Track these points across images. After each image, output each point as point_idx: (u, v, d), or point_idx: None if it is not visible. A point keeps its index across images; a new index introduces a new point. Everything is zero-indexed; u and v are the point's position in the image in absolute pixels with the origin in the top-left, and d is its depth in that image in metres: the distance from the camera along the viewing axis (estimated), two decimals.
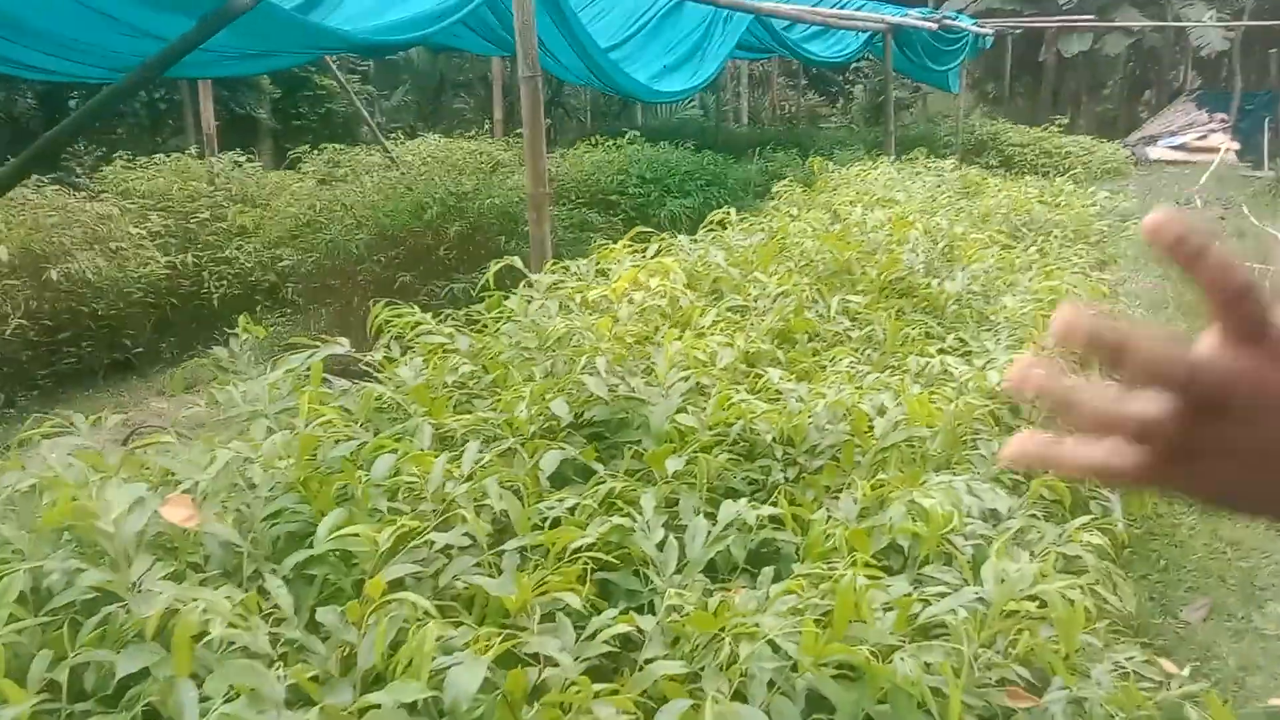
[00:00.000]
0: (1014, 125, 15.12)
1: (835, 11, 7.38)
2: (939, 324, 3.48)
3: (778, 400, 2.34)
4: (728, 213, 4.32)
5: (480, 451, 1.94)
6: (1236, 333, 0.43)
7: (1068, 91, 22.22)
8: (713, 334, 2.69)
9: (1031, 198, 5.29)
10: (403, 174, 7.77)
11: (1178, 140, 17.65)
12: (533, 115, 4.10)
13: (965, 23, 11.30)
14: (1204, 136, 17.59)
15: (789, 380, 2.45)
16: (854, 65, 18.68)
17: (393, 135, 11.40)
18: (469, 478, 1.84)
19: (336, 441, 1.98)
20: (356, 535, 1.62)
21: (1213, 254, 0.42)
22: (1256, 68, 23.37)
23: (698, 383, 2.39)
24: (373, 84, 16.94)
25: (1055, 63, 20.16)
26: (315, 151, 9.87)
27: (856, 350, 2.89)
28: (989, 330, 3.26)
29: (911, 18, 8.72)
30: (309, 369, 2.21)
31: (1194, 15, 19.18)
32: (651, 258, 3.36)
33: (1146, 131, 18.49)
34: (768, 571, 1.80)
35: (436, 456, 1.87)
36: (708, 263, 3.35)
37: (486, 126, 11.83)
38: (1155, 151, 17.25)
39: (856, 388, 2.43)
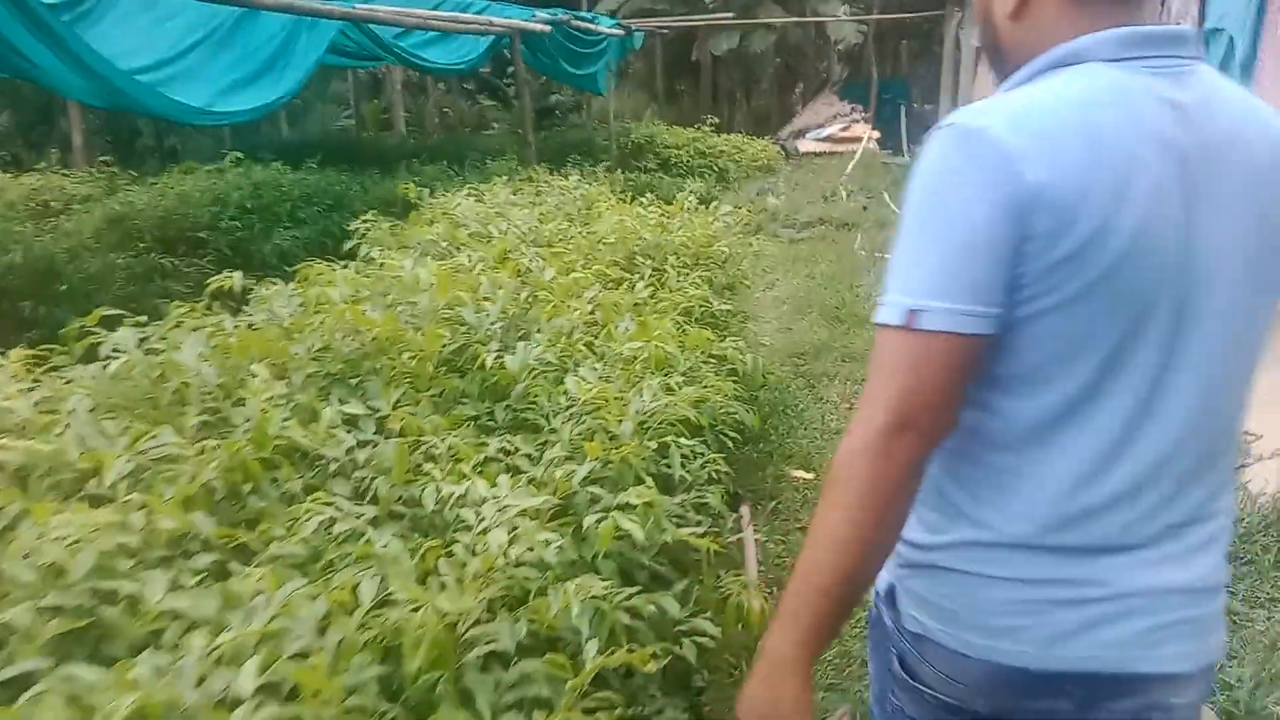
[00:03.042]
0: (669, 127, 15.07)
1: (442, 15, 6.56)
2: (508, 409, 2.71)
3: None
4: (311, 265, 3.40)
5: None
6: None
7: (724, 89, 22.87)
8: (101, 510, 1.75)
9: (649, 220, 4.70)
10: None
11: (824, 132, 18.49)
12: None
13: (603, 24, 10.89)
14: (847, 127, 18.55)
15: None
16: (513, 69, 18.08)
17: None
18: None
19: None
20: None
21: None
22: (891, 58, 25.27)
23: None
24: None
25: (710, 62, 20.59)
26: None
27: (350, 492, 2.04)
28: (563, 414, 2.53)
29: (536, 21, 8.06)
30: None
31: (830, 11, 20.25)
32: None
33: (796, 125, 19.28)
34: None
35: None
36: (175, 365, 2.38)
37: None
38: (805, 144, 17.96)
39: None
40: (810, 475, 4.34)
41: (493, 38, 7.84)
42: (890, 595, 1.25)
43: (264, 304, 3.07)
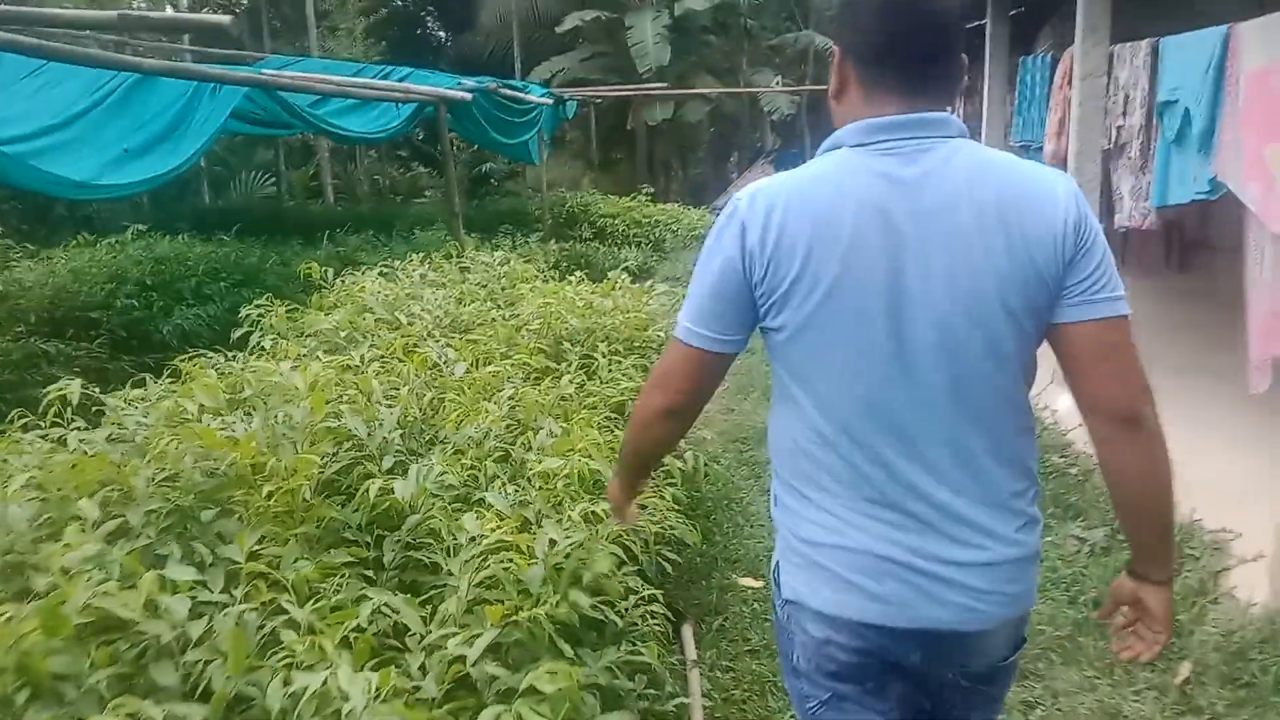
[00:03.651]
0: (605, 196, 14.81)
1: (356, 81, 6.14)
2: (399, 544, 2.25)
3: None
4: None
5: None
6: None
7: (660, 158, 22.81)
8: None
9: (577, 302, 4.30)
10: None
11: None
12: None
13: (534, 93, 10.61)
14: None
15: None
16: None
17: None
18: None
19: None
20: None
21: None
22: (823, 127, 25.47)
23: None
24: None
25: (645, 131, 20.52)
26: None
27: None
28: (464, 552, 2.08)
29: (461, 89, 7.72)
30: None
31: (763, 81, 20.36)
32: None
33: (730, 194, 19.20)
34: None
35: None
36: None
37: None
38: None
39: None
40: (759, 583, 3.91)
41: (415, 105, 7.48)
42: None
43: (114, 418, 2.59)
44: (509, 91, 9.09)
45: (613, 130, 22.02)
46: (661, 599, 2.48)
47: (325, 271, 4.42)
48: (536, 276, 5.16)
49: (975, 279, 1.34)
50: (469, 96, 6.48)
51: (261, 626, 1.71)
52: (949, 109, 1.43)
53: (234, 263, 7.93)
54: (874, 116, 1.38)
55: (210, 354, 3.43)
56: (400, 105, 7.27)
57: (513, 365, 3.44)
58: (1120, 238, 6.89)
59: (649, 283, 5.17)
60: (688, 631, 3.43)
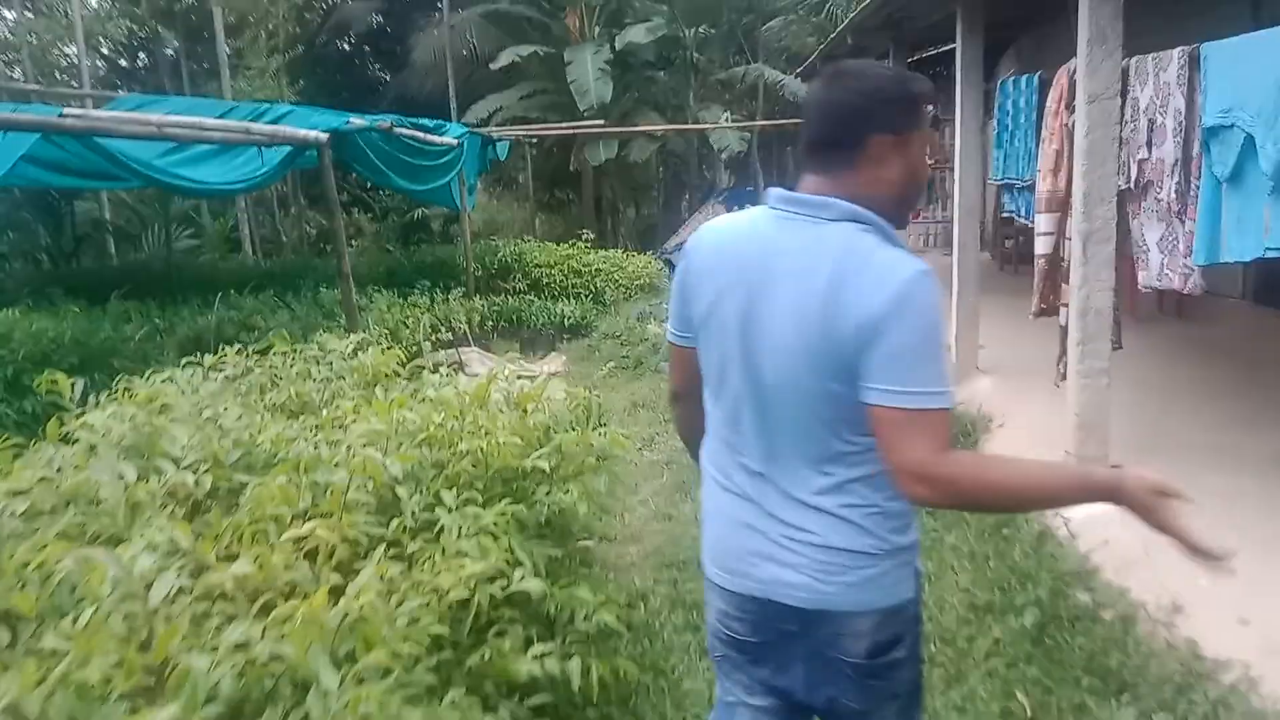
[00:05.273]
0: (540, 243, 13.62)
1: (185, 121, 4.85)
2: None
3: None
4: None
5: None
6: None
7: (607, 200, 21.71)
8: None
9: (433, 414, 3.07)
10: None
11: None
12: None
13: (451, 134, 9.39)
14: None
15: None
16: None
17: None
18: None
19: None
20: None
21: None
22: (775, 164, 24.56)
23: None
24: None
25: (590, 172, 19.40)
26: None
27: None
28: None
29: (350, 127, 6.48)
30: None
31: (712, 118, 19.30)
32: None
33: (681, 236, 18.06)
34: None
35: None
36: None
37: None
38: None
39: None
40: None
41: (288, 150, 6.24)
42: None
43: None
44: (408, 131, 7.86)
45: (556, 171, 20.90)
46: None
47: (73, 384, 3.13)
48: (395, 373, 3.88)
49: (794, 339, 1.64)
50: (323, 137, 5.23)
51: None
52: (858, 180, 1.66)
53: (80, 341, 6.58)
54: (790, 188, 1.72)
55: None
56: (264, 150, 6.02)
57: (287, 552, 2.18)
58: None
59: (543, 366, 3.91)
60: None
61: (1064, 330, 5.31)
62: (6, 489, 2.29)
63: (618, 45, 17.54)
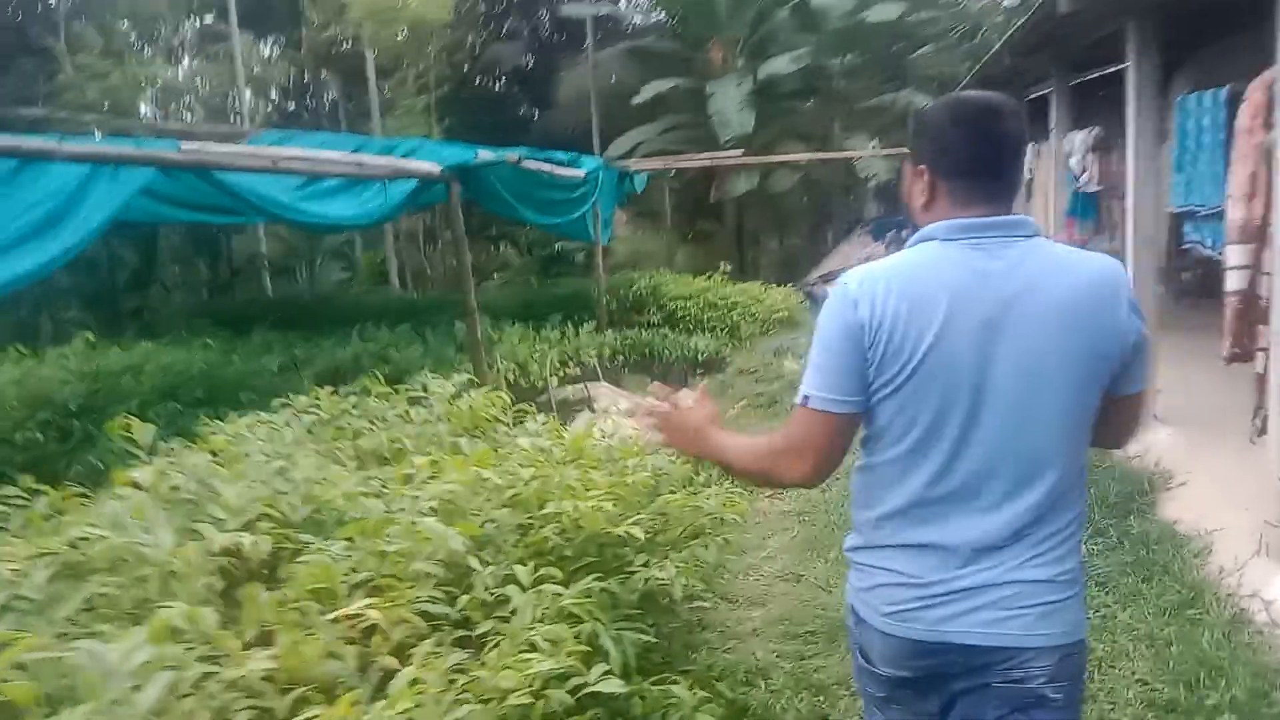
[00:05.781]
0: (677, 275, 13.31)
1: (301, 154, 4.81)
2: None
3: None
4: None
5: None
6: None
7: (749, 231, 21.31)
8: None
9: (521, 465, 2.76)
10: None
11: None
12: None
13: (585, 166, 9.23)
14: None
15: None
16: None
17: None
18: None
19: None
20: None
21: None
22: None
23: None
24: None
25: (731, 203, 19.08)
26: None
27: None
28: None
29: (481, 156, 6.36)
30: None
31: (858, 147, 18.67)
32: None
33: (825, 269, 17.46)
34: None
35: None
36: None
37: None
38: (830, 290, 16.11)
39: None
40: None
41: (413, 183, 6.16)
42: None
43: None
44: (534, 164, 7.70)
45: (698, 203, 20.65)
46: None
47: (155, 426, 2.98)
48: (496, 419, 3.60)
49: (1041, 359, 1.61)
50: (435, 170, 5.07)
51: None
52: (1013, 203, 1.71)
53: (207, 374, 6.63)
54: (962, 218, 1.67)
55: None
56: (388, 183, 5.95)
57: (344, 627, 1.89)
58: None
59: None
60: None
61: (1260, 378, 4.62)
62: (31, 552, 2.08)
63: (760, 76, 17.20)
